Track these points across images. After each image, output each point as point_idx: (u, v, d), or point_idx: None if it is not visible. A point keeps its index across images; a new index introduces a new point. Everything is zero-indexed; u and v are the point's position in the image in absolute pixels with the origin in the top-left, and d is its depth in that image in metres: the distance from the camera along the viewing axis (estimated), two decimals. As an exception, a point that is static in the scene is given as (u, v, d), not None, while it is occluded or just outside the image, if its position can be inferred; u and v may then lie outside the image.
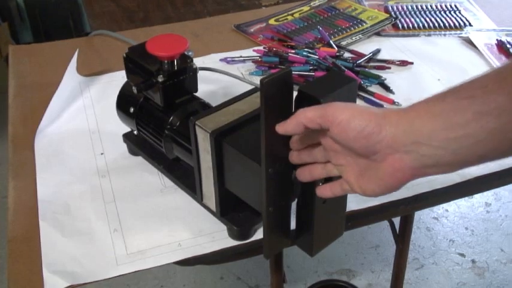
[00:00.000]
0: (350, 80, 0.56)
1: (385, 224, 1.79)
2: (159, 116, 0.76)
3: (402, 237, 1.13)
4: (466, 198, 1.99)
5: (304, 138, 0.55)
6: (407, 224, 1.10)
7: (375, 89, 1.00)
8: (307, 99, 0.54)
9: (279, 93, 0.53)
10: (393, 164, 0.47)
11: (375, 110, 0.49)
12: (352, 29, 1.18)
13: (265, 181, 0.57)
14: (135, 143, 0.84)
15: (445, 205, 1.98)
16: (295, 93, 0.55)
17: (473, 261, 1.77)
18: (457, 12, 1.25)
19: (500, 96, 0.42)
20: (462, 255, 1.79)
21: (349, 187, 0.53)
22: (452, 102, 0.44)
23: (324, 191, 0.57)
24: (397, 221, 1.16)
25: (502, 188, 2.02)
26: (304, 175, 0.58)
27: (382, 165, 0.48)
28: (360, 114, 0.48)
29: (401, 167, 0.47)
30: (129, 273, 0.67)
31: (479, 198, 2.01)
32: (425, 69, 1.07)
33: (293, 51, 1.08)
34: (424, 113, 0.46)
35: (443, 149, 0.45)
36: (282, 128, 0.53)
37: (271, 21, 1.24)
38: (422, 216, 1.93)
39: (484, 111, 0.42)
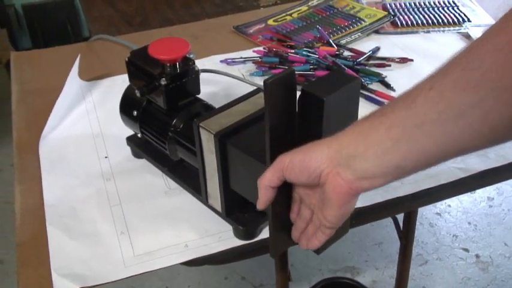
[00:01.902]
0: (353, 78, 0.57)
1: (388, 221, 1.79)
2: (163, 119, 0.77)
3: (406, 234, 1.13)
4: (469, 193, 2.00)
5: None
6: (411, 220, 1.11)
7: (375, 86, 1.00)
8: (310, 99, 0.54)
9: (282, 94, 0.53)
10: (333, 181, 0.52)
11: (311, 143, 0.54)
12: (351, 27, 1.19)
13: (270, 180, 0.57)
14: (138, 146, 0.84)
15: (447, 200, 1.98)
16: (298, 93, 0.55)
17: (477, 255, 1.78)
18: (455, 8, 1.26)
19: (403, 111, 0.48)
20: (466, 250, 1.79)
21: (323, 230, 0.57)
22: (370, 121, 0.50)
23: (311, 244, 0.59)
24: (400, 217, 1.16)
25: (504, 182, 2.02)
26: (303, 243, 0.60)
27: (326, 186, 0.52)
28: (298, 152, 0.54)
29: (339, 182, 0.51)
30: (137, 274, 0.68)
31: (481, 193, 2.02)
32: (425, 65, 1.07)
33: (293, 51, 1.09)
34: (350, 133, 0.52)
35: (366, 161, 0.50)
36: (260, 205, 0.58)
37: (270, 22, 1.25)
38: (425, 212, 1.94)
39: (392, 125, 0.48)
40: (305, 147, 0.54)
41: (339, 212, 0.54)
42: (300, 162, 0.53)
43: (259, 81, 1.00)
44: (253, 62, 1.08)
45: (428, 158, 0.49)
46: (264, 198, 0.57)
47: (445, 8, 1.26)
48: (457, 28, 1.20)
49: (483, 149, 0.48)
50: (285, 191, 0.60)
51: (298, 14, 1.27)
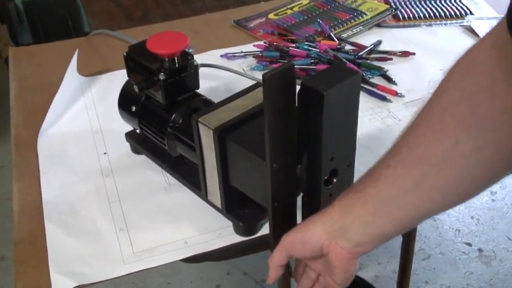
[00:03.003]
0: (353, 72, 0.56)
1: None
2: (162, 114, 0.76)
3: (408, 229, 1.12)
4: (471, 187, 1.98)
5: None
6: (413, 215, 1.10)
7: (377, 80, 0.99)
8: (310, 93, 0.53)
9: (282, 88, 0.52)
10: (334, 250, 0.56)
11: (307, 220, 0.59)
12: (353, 21, 1.18)
13: (270, 176, 0.56)
14: (138, 142, 0.83)
15: (450, 195, 1.97)
16: (297, 87, 0.55)
17: (480, 250, 1.77)
18: (457, 1, 1.25)
19: (371, 189, 0.54)
20: (469, 244, 1.79)
21: None
22: (350, 196, 0.56)
23: None
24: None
25: (507, 176, 2.01)
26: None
27: (329, 256, 0.57)
28: (298, 230, 0.59)
29: (340, 251, 0.56)
30: (136, 271, 0.67)
31: (484, 187, 2.01)
32: (427, 59, 1.06)
33: (294, 45, 1.08)
34: (337, 208, 0.56)
35: (355, 233, 0.55)
36: (268, 278, 0.62)
37: (271, 16, 1.24)
38: (428, 207, 1.93)
39: (365, 201, 0.54)
40: (302, 224, 0.59)
41: (344, 275, 0.58)
42: (301, 240, 0.58)
43: (260, 75, 0.98)
44: (253, 57, 1.07)
45: (403, 225, 0.54)
46: (274, 275, 0.62)
47: (447, 1, 1.25)
48: (459, 21, 1.18)
49: (443, 212, 0.55)
50: (285, 187, 0.59)
51: (299, 7, 1.26)
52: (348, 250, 0.56)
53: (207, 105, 0.76)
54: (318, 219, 0.57)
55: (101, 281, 0.67)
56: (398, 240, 1.22)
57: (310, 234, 0.57)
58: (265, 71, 0.51)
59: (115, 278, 0.67)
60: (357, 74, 0.56)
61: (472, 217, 1.89)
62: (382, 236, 0.55)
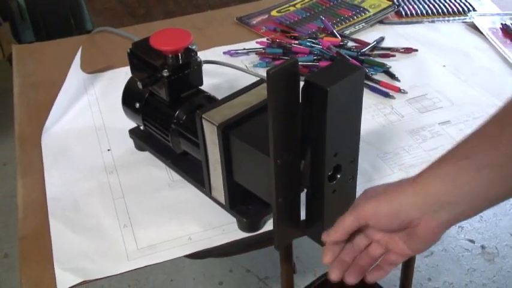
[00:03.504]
0: (357, 68, 0.56)
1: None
2: (165, 111, 0.76)
3: (411, 225, 1.12)
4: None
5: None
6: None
7: (380, 77, 0.99)
8: (314, 89, 0.53)
9: (285, 84, 0.52)
10: (428, 225, 0.53)
11: (392, 187, 0.54)
12: (355, 17, 1.18)
13: (274, 172, 0.56)
14: (141, 138, 0.84)
15: (452, 192, 1.97)
16: (301, 84, 0.55)
17: (482, 247, 1.77)
18: (460, -3, 1.25)
19: (486, 153, 0.50)
20: (471, 241, 1.79)
21: (395, 258, 0.58)
22: (455, 164, 0.52)
23: (378, 275, 0.60)
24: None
25: None
26: (354, 275, 0.59)
27: (419, 229, 0.54)
28: (383, 200, 0.54)
29: (436, 225, 0.53)
30: (140, 268, 0.68)
31: (486, 184, 2.01)
32: (430, 55, 1.06)
33: (296, 42, 1.08)
34: (434, 178, 0.52)
35: (458, 203, 0.51)
36: (328, 237, 0.57)
37: (274, 13, 1.24)
38: (430, 204, 1.93)
39: (480, 167, 0.50)
40: (385, 194, 0.54)
41: (429, 244, 0.55)
42: (388, 212, 0.54)
43: (263, 72, 0.99)
44: (256, 54, 1.07)
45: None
46: (335, 237, 0.57)
47: (450, -3, 1.25)
48: (462, 17, 1.18)
49: None
50: (289, 183, 0.59)
51: (301, 4, 1.26)
52: (444, 223, 0.52)
53: (211, 102, 0.76)
54: (409, 189, 0.53)
55: (105, 277, 0.67)
56: (401, 236, 1.22)
57: (399, 208, 0.53)
58: (268, 68, 0.51)
59: (119, 274, 0.67)
60: (361, 69, 0.56)
61: (475, 214, 1.89)
62: (487, 203, 0.52)
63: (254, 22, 1.20)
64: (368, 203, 0.55)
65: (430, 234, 0.53)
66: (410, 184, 0.53)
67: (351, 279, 0.59)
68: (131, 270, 0.68)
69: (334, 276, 0.59)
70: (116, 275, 0.67)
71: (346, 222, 0.56)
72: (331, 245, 0.58)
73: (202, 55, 0.78)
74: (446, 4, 1.22)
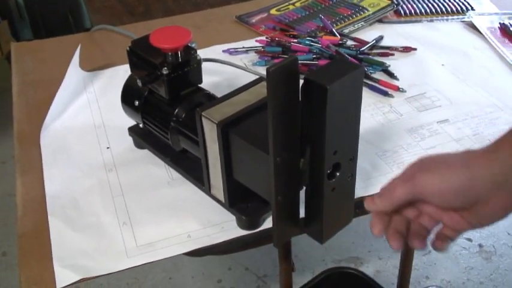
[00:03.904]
0: (356, 66, 0.56)
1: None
2: (165, 109, 0.76)
3: (409, 224, 1.13)
4: (472, 183, 1.99)
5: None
6: (414, 210, 1.10)
7: (379, 75, 0.99)
8: (313, 87, 0.54)
9: (285, 82, 0.52)
10: (502, 201, 0.47)
11: (457, 159, 0.48)
12: (354, 16, 1.18)
13: (273, 170, 0.57)
14: (140, 136, 0.84)
15: (450, 191, 1.98)
16: (300, 82, 0.55)
17: (480, 245, 1.77)
18: (458, -4, 1.25)
19: None
20: (469, 239, 1.79)
21: (451, 233, 0.53)
22: None
23: (440, 246, 0.54)
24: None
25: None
26: (417, 242, 0.54)
27: (489, 205, 0.48)
28: (448, 173, 0.48)
29: (506, 201, 0.47)
30: (139, 265, 0.68)
31: (484, 182, 2.01)
32: (428, 54, 1.06)
33: (296, 40, 1.08)
34: (509, 148, 0.47)
35: None
36: (374, 206, 0.53)
37: (273, 11, 1.24)
38: (428, 203, 1.93)
39: None
40: (453, 165, 0.48)
41: (495, 222, 0.50)
42: (453, 188, 0.48)
43: (262, 71, 1.00)
44: (255, 52, 1.07)
45: None
46: (380, 207, 0.52)
47: (449, -3, 1.25)
48: (460, 17, 1.19)
49: None
50: (289, 180, 0.59)
51: (300, 3, 1.26)
52: None
53: (210, 100, 0.76)
54: (484, 164, 0.47)
55: (104, 275, 0.67)
56: (400, 235, 1.22)
57: (468, 183, 0.47)
58: (268, 66, 0.51)
59: (118, 271, 0.67)
60: (360, 68, 0.56)
61: (473, 213, 1.89)
62: None
63: (253, 20, 1.20)
64: (427, 176, 0.49)
65: (500, 210, 0.47)
66: (483, 154, 0.47)
67: (416, 245, 0.54)
68: (130, 268, 0.68)
69: (395, 246, 0.54)
70: (115, 272, 0.67)
71: (398, 194, 0.50)
72: (377, 214, 0.53)
73: (201, 53, 0.78)
74: (445, 3, 1.22)
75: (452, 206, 0.49)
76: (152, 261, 0.68)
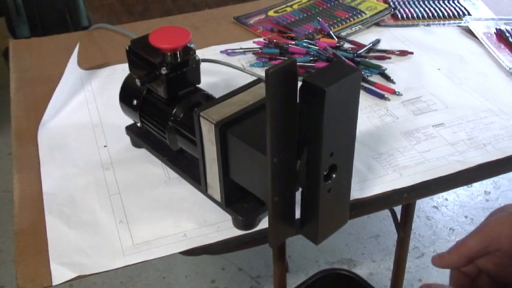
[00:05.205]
0: (354, 69, 0.56)
1: (385, 214, 1.80)
2: (163, 108, 0.76)
3: (404, 226, 1.13)
4: (465, 186, 2.00)
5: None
6: (408, 212, 1.11)
7: (375, 79, 1.00)
8: (312, 89, 0.54)
9: (284, 83, 0.53)
10: None
11: None
12: (352, 19, 1.19)
13: (270, 171, 0.57)
14: (138, 135, 0.84)
15: (444, 194, 1.99)
16: (298, 84, 0.55)
17: (473, 249, 1.78)
18: (455, 1, 1.26)
19: None
20: (462, 243, 1.80)
21: None
22: None
23: None
24: (398, 210, 1.16)
25: (501, 176, 2.03)
26: None
27: None
28: None
29: None
30: (135, 263, 0.68)
31: (478, 186, 2.03)
32: (425, 58, 1.07)
33: (293, 42, 1.09)
34: None
35: None
36: (439, 262, 0.49)
37: (271, 13, 1.24)
38: (422, 206, 1.94)
39: None
40: None
41: None
42: None
43: (260, 72, 1.00)
44: (253, 53, 1.08)
45: None
46: (450, 262, 0.47)
47: (446, 1, 1.26)
48: (457, 21, 1.19)
49: None
50: (285, 181, 0.60)
51: (298, 5, 1.27)
52: None
53: (208, 100, 0.77)
54: None
55: (100, 272, 0.68)
56: (393, 238, 1.23)
57: None
58: (265, 68, 0.52)
59: (114, 269, 0.68)
60: (358, 71, 0.57)
61: (466, 216, 1.90)
62: None
63: (251, 22, 1.21)
64: (501, 221, 0.45)
65: None
66: None
67: None
68: (126, 266, 0.68)
69: None
70: (111, 270, 0.68)
71: (470, 244, 0.46)
72: (456, 276, 0.48)
73: (199, 54, 0.78)
74: (441, 8, 1.23)
75: None
76: (148, 260, 0.69)
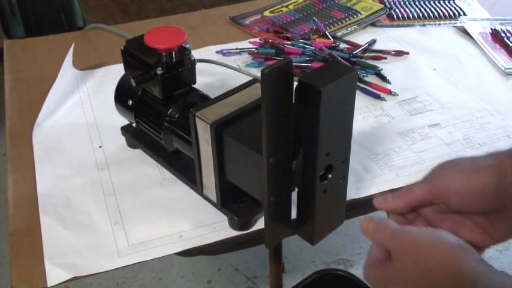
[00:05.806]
0: (350, 69, 0.56)
1: (381, 214, 1.80)
2: (158, 108, 0.76)
3: (399, 226, 1.13)
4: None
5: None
6: (404, 213, 1.10)
7: (371, 79, 1.00)
8: (307, 89, 0.54)
9: (280, 83, 0.53)
10: None
11: (484, 158, 0.45)
12: (348, 19, 1.19)
13: (266, 171, 0.57)
14: (133, 136, 0.84)
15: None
16: (294, 84, 0.55)
17: (468, 249, 1.78)
18: (451, 1, 1.26)
19: None
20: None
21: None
22: None
23: None
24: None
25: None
26: None
27: None
28: (474, 171, 0.44)
29: None
30: (131, 264, 0.68)
31: (473, 187, 2.02)
32: (420, 59, 1.07)
33: (289, 42, 1.09)
34: None
35: None
36: (383, 203, 0.49)
37: (266, 13, 1.24)
38: (418, 206, 1.94)
39: None
40: (479, 167, 0.44)
41: None
42: (479, 189, 0.43)
43: (255, 72, 1.00)
44: (249, 53, 1.07)
45: None
46: (392, 206, 0.47)
47: (441, 2, 1.26)
48: (452, 22, 1.20)
49: None
50: (281, 182, 0.60)
51: (294, 5, 1.27)
52: None
53: (204, 100, 0.76)
54: None
55: (95, 273, 0.67)
56: (389, 237, 1.23)
57: (497, 183, 0.42)
58: (261, 68, 0.51)
59: (109, 270, 0.67)
60: (354, 71, 0.57)
61: (462, 216, 1.90)
62: None
63: (247, 22, 1.20)
64: (450, 174, 0.44)
65: None
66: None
67: None
68: (122, 267, 0.68)
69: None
70: (106, 271, 0.67)
71: (416, 193, 0.46)
72: (392, 216, 0.49)
73: (195, 54, 0.78)
74: (437, 8, 1.23)
75: (476, 209, 0.45)
76: (144, 261, 0.68)
